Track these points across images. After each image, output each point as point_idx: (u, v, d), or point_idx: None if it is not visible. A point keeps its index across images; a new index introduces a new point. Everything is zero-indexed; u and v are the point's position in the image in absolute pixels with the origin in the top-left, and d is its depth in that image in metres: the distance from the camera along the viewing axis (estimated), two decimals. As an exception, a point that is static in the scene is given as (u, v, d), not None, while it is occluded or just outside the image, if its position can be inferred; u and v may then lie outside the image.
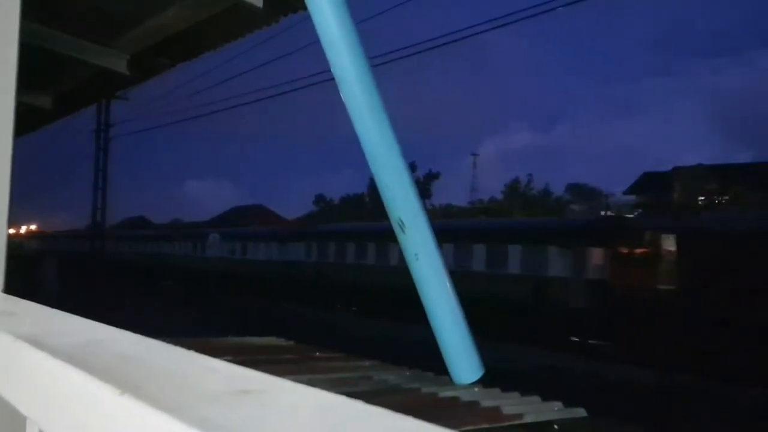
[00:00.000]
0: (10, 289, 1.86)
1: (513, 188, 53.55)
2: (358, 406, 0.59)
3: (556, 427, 3.20)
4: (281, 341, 5.39)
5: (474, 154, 61.98)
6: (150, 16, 6.01)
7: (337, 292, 25.06)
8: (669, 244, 17.11)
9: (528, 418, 3.09)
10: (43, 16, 6.08)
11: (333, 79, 4.02)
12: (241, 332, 6.45)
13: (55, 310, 1.35)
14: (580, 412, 3.35)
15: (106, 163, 26.82)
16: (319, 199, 62.24)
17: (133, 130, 29.32)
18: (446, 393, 3.52)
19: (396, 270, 19.10)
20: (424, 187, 51.87)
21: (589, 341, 16.53)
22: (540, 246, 19.23)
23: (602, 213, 39.02)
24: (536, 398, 3.50)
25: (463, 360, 3.98)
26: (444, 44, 14.62)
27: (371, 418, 0.57)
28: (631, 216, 29.05)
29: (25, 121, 9.77)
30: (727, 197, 36.89)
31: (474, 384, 3.87)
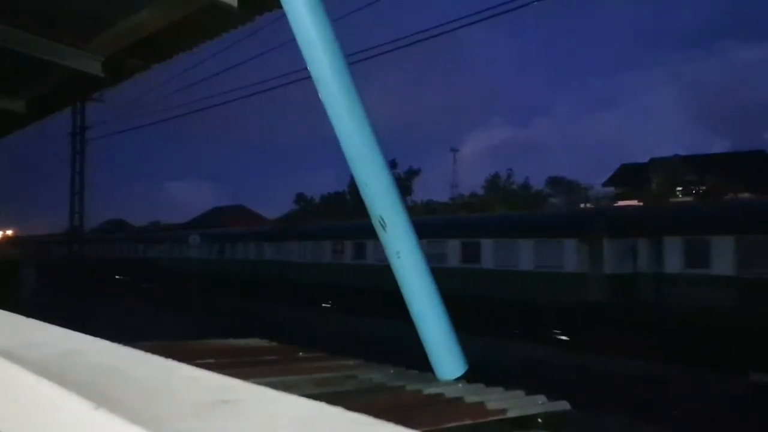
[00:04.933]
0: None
1: (493, 183, 53.66)
2: (337, 413, 0.59)
3: (540, 420, 3.22)
4: (264, 342, 5.35)
5: (454, 150, 61.82)
6: (124, 17, 5.94)
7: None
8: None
9: (512, 413, 3.10)
10: (14, 19, 5.98)
11: (310, 77, 4.00)
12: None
13: (29, 319, 1.33)
14: (564, 405, 3.37)
15: (83, 166, 26.53)
16: (300, 197, 61.88)
17: (109, 132, 28.92)
18: (430, 390, 3.52)
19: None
20: (405, 184, 51.84)
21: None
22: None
23: (582, 205, 39.31)
24: (520, 392, 3.51)
25: (446, 356, 4.00)
26: (420, 41, 14.60)
27: (350, 424, 0.56)
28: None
29: (-2, 126, 9.62)
30: (704, 187, 37.39)
31: (458, 380, 3.88)
